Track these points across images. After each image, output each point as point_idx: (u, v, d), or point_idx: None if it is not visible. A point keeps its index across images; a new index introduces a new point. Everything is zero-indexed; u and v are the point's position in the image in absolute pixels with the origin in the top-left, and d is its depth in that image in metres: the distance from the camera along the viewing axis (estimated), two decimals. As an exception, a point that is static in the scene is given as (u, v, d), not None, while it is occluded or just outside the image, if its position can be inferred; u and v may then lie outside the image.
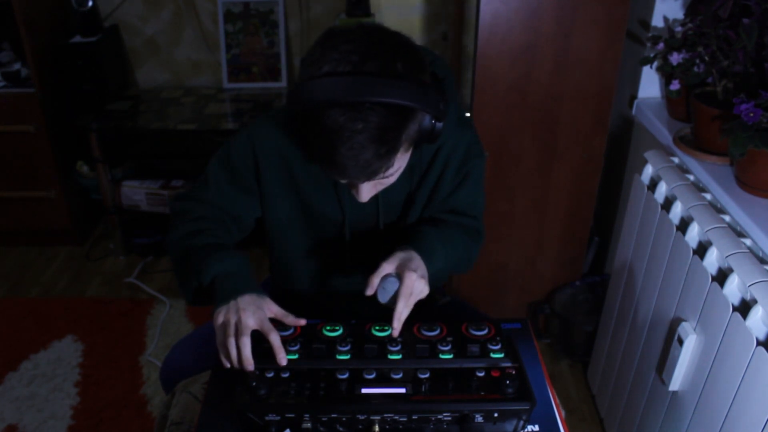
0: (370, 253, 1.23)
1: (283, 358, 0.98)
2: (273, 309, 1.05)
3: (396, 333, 1.00)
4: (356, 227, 1.21)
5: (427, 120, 0.97)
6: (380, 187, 1.05)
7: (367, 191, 1.02)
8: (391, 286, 1.00)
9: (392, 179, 1.03)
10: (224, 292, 1.03)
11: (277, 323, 1.03)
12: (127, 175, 2.61)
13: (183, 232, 1.13)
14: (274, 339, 0.98)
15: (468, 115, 1.80)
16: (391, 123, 0.90)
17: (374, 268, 1.02)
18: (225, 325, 0.99)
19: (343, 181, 1.02)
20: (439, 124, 0.98)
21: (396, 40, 0.94)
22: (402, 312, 1.00)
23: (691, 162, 1.49)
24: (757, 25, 1.30)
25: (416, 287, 1.00)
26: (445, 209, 1.20)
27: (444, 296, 1.39)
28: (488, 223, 1.94)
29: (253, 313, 0.99)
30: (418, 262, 1.04)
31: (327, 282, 1.27)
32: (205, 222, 1.15)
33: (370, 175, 0.94)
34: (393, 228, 1.22)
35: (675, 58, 1.50)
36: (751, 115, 1.22)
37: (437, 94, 0.95)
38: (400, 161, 0.99)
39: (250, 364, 0.97)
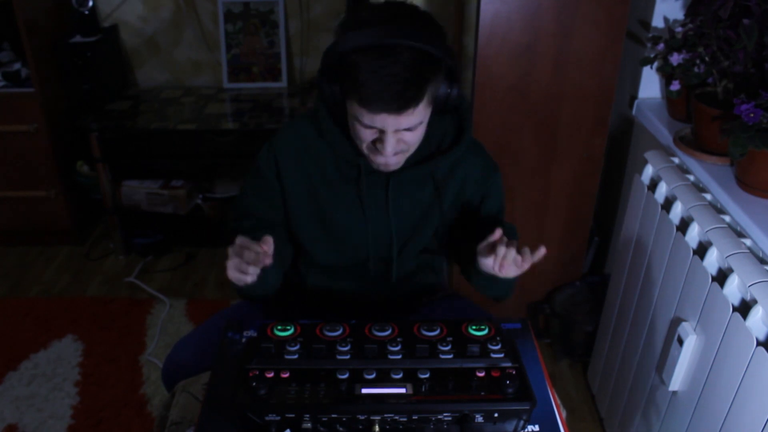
0: (386, 263, 1.26)
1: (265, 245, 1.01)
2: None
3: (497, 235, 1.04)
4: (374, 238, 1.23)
5: (443, 87, 1.05)
6: (402, 146, 1.08)
7: (391, 144, 1.05)
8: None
9: (415, 136, 1.07)
10: None
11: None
12: (127, 175, 2.61)
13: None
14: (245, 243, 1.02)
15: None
16: (420, 64, 0.99)
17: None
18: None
19: (372, 130, 1.05)
20: (455, 91, 1.06)
21: (418, 9, 1.06)
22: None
23: (691, 162, 1.49)
24: (757, 26, 1.30)
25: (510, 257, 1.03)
26: (483, 216, 1.24)
27: (443, 290, 1.40)
28: (488, 223, 1.96)
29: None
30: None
31: (337, 285, 1.29)
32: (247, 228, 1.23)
33: (402, 105, 0.99)
34: (405, 240, 1.24)
35: (675, 58, 1.50)
36: (752, 115, 1.22)
37: (454, 62, 1.04)
38: (423, 113, 1.04)
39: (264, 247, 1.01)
